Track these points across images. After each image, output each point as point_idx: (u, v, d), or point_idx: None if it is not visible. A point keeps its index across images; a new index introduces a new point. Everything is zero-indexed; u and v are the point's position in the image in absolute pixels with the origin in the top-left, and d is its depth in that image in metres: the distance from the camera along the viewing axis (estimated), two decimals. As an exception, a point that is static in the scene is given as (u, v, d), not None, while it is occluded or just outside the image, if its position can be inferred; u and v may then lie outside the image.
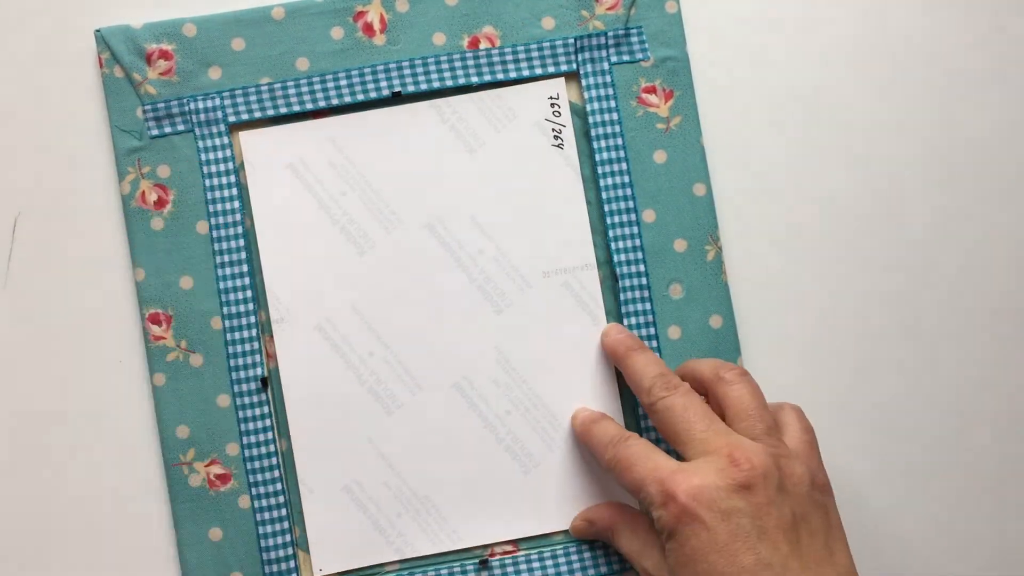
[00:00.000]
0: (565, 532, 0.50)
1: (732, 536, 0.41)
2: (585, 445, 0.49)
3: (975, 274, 0.52)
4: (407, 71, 0.50)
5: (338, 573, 0.50)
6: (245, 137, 0.50)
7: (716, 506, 0.41)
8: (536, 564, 0.50)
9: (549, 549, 0.50)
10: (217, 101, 0.50)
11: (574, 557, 0.50)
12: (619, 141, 0.51)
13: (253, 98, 0.50)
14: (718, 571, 0.40)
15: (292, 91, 0.50)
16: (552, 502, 0.50)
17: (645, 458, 0.44)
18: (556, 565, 0.50)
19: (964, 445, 0.51)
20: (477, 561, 0.50)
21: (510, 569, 0.50)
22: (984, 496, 0.52)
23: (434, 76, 0.51)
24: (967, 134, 0.52)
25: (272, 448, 0.50)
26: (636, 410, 0.50)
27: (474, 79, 0.51)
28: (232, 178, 0.50)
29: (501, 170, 0.51)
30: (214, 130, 0.50)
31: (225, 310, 0.50)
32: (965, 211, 0.52)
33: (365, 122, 0.51)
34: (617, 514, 0.48)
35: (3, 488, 0.50)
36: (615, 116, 0.51)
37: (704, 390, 0.47)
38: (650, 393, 0.46)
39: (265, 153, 0.50)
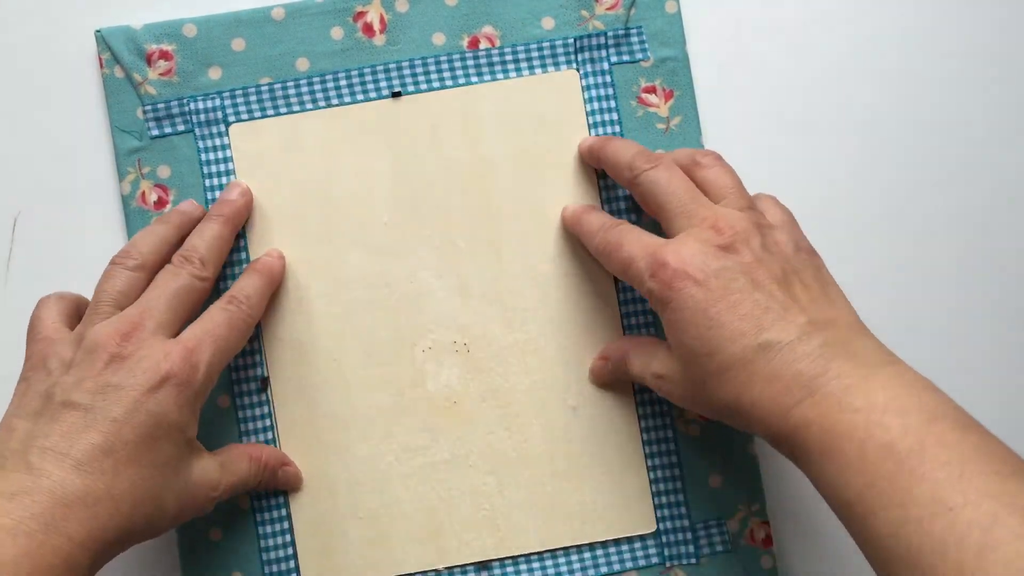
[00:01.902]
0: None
1: (726, 289, 0.41)
2: (575, 234, 0.49)
3: (977, 273, 0.52)
4: (407, 71, 0.51)
5: None
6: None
7: (706, 266, 0.42)
8: (536, 565, 0.50)
9: (549, 551, 0.50)
10: (217, 101, 0.50)
11: (574, 558, 0.50)
12: (619, 141, 0.51)
13: (253, 98, 0.50)
14: (719, 323, 0.41)
15: (292, 91, 0.50)
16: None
17: (634, 237, 0.45)
18: (556, 566, 0.50)
19: None
20: (477, 563, 0.50)
21: (510, 570, 0.50)
22: None
23: (434, 76, 0.51)
24: (969, 134, 0.52)
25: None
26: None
27: (474, 79, 0.51)
28: (232, 178, 0.50)
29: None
30: (214, 130, 0.50)
31: (225, 310, 0.50)
32: (967, 211, 0.52)
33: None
34: (627, 342, 0.49)
35: None
36: (615, 116, 0.51)
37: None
38: (631, 168, 0.46)
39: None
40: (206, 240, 0.47)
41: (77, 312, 0.46)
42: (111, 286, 0.45)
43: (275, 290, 0.49)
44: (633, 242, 0.44)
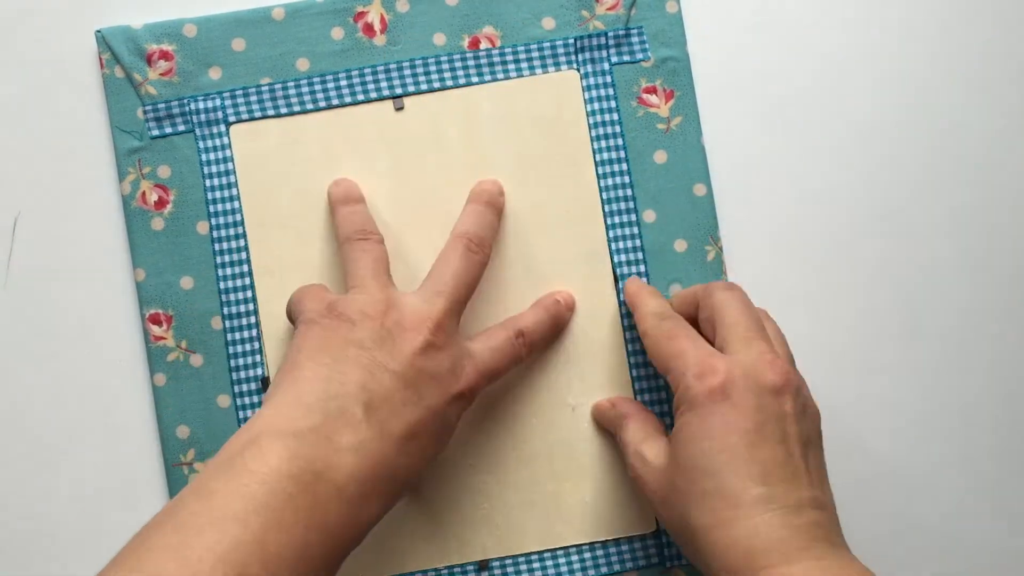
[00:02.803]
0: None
1: (759, 427, 0.40)
2: (630, 305, 0.48)
3: (976, 273, 0.52)
4: (407, 72, 0.50)
5: None
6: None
7: (752, 395, 0.41)
8: (536, 564, 0.50)
9: (549, 551, 0.50)
10: (217, 101, 0.50)
11: (574, 558, 0.50)
12: (619, 141, 0.51)
13: (253, 98, 0.50)
14: (735, 453, 0.40)
15: (292, 91, 0.50)
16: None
17: (690, 336, 0.44)
18: (556, 566, 0.50)
19: (964, 445, 0.51)
20: (477, 563, 0.50)
21: (510, 570, 0.50)
22: (984, 496, 0.51)
23: (434, 77, 0.50)
24: (967, 134, 0.52)
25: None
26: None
27: (475, 79, 0.51)
28: (232, 178, 0.50)
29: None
30: (214, 130, 0.50)
31: (225, 310, 0.50)
32: (965, 210, 0.52)
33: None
34: (636, 409, 0.48)
35: (2, 488, 0.50)
36: (615, 116, 0.51)
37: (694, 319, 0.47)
38: (705, 289, 0.46)
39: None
40: (487, 227, 0.48)
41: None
42: (373, 259, 0.46)
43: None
44: (687, 339, 0.44)
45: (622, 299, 0.50)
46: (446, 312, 0.44)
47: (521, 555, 0.50)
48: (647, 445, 0.45)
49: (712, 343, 0.44)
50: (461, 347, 0.44)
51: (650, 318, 0.46)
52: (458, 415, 0.44)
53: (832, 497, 0.42)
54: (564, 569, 0.50)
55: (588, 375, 0.50)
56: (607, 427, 0.49)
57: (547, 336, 0.49)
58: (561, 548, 0.50)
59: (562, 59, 0.51)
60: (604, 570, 0.50)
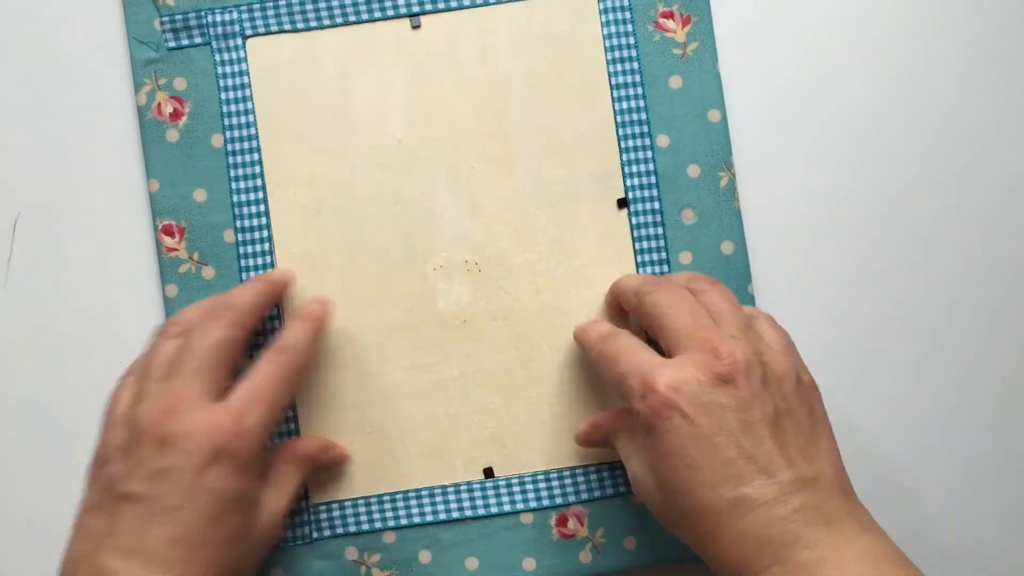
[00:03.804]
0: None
1: (713, 428, 0.39)
2: (579, 344, 0.48)
3: (984, 273, 0.51)
4: (425, -10, 0.50)
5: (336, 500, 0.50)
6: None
7: (697, 399, 0.40)
8: (542, 484, 0.50)
9: (556, 471, 0.50)
10: (235, 14, 0.50)
11: (580, 479, 0.50)
12: (635, 65, 0.51)
13: (270, 12, 0.50)
14: (698, 465, 0.39)
15: (309, 6, 0.50)
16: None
17: (631, 352, 0.43)
18: (562, 486, 0.50)
19: (964, 444, 0.51)
20: (482, 471, 0.50)
21: (516, 488, 0.50)
22: (984, 496, 0.51)
23: (451, -4, 0.51)
24: (982, 134, 0.51)
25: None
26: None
27: (491, -1, 0.51)
28: (248, 92, 0.50)
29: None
30: (231, 43, 0.50)
31: (238, 223, 0.50)
32: (975, 210, 0.51)
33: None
34: (619, 419, 0.47)
35: (2, 487, 0.50)
36: (632, 40, 0.51)
37: None
38: (637, 293, 0.45)
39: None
40: (242, 292, 0.46)
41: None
42: (158, 360, 0.43)
43: (321, 329, 0.48)
44: (628, 357, 0.43)
45: (633, 223, 0.50)
46: (179, 393, 0.42)
47: (527, 474, 0.50)
48: (634, 462, 0.44)
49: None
50: (208, 413, 0.42)
51: (593, 346, 0.46)
52: (235, 478, 0.42)
53: (829, 460, 0.41)
54: (569, 488, 0.50)
55: (599, 297, 0.50)
56: (602, 447, 0.49)
57: (310, 337, 0.47)
58: (567, 468, 0.50)
59: (580, -19, 0.51)
60: (610, 491, 0.50)
